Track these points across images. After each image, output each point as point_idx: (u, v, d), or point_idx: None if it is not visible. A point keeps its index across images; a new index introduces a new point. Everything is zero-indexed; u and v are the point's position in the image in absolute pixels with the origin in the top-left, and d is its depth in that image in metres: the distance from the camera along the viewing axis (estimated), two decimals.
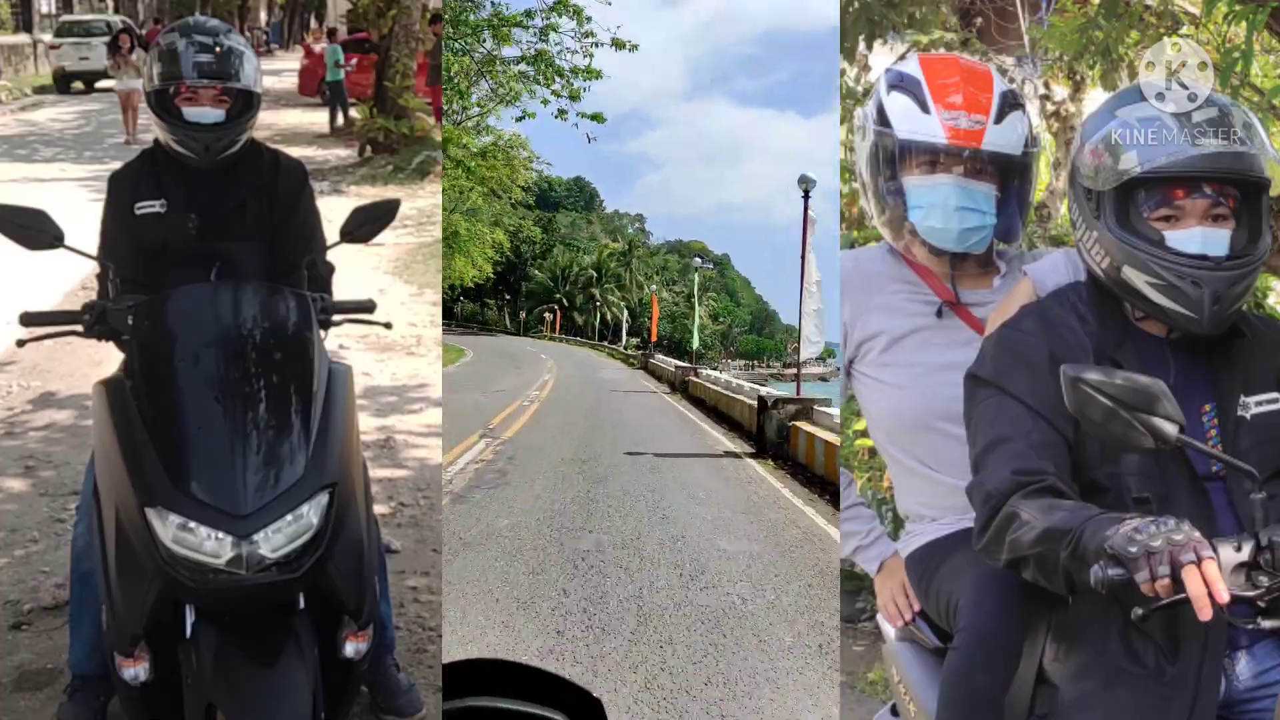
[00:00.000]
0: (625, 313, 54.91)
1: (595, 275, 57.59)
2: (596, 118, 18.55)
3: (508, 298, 59.84)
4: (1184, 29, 3.94)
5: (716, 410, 16.12)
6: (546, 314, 54.97)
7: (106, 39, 18.04)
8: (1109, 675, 1.63)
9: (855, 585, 4.60)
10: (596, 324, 54.90)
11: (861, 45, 4.90)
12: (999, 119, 2.01)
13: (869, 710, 3.58)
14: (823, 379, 38.87)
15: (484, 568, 5.57)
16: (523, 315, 56.52)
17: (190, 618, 1.99)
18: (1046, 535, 1.51)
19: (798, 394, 12.78)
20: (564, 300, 57.84)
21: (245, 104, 2.48)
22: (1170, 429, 1.51)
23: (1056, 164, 5.36)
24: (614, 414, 15.88)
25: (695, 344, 37.58)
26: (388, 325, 2.49)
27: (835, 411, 10.42)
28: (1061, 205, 5.23)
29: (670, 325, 53.63)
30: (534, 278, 59.98)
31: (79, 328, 2.28)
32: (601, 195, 77.92)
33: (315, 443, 2.06)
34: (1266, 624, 1.46)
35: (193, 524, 1.91)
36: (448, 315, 55.20)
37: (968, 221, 2.02)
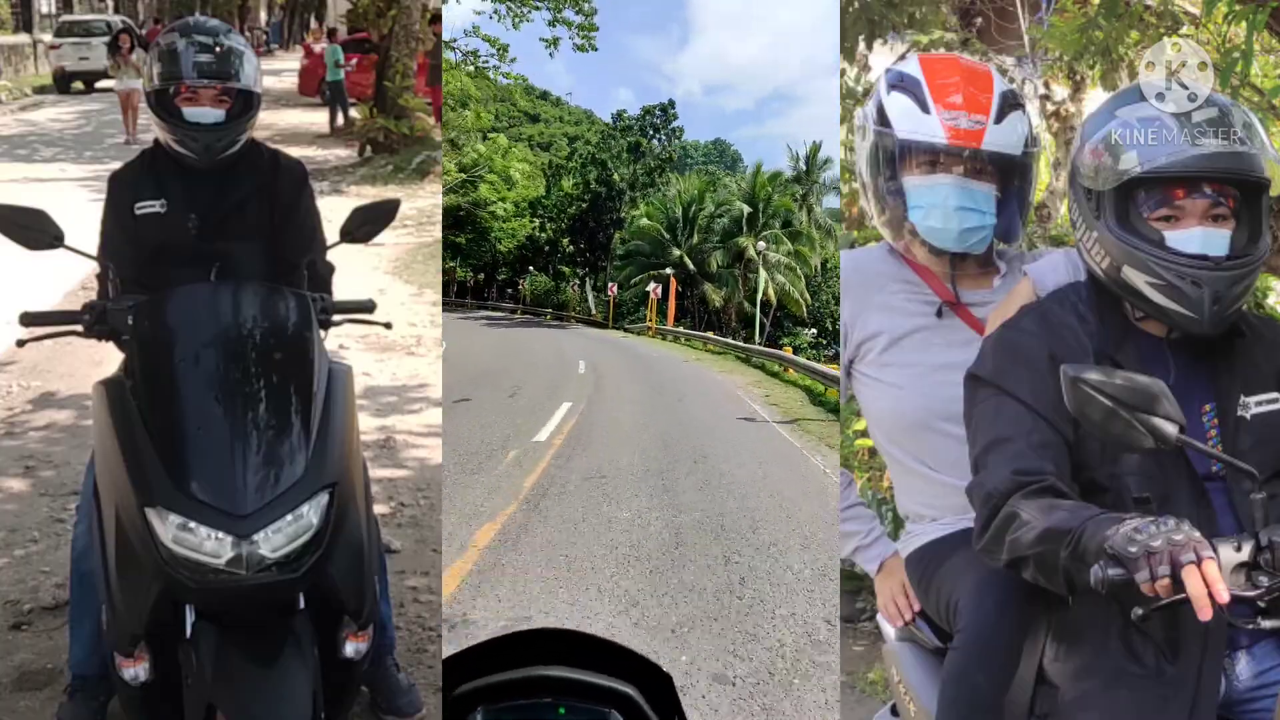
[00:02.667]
0: (802, 282, 31.24)
1: (747, 215, 32.32)
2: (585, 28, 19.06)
3: (601, 264, 37.08)
4: (1184, 29, 3.94)
5: None
6: (652, 286, 30.98)
7: (106, 39, 18.09)
8: (1109, 675, 1.63)
9: (855, 585, 4.60)
10: (754, 305, 29.84)
11: (861, 45, 4.90)
12: (999, 119, 2.01)
13: (869, 710, 3.58)
14: None
15: None
16: (613, 290, 33.40)
17: (190, 618, 1.99)
18: (1046, 535, 1.51)
19: None
20: (687, 260, 32.62)
21: (245, 104, 2.48)
22: (1170, 429, 1.51)
23: (1056, 164, 5.37)
24: None
25: None
26: (388, 325, 2.49)
27: None
28: (1061, 205, 5.24)
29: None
30: (633, 222, 35.65)
31: (79, 328, 2.28)
32: (745, 162, 61.36)
33: (315, 443, 2.06)
34: (1266, 624, 1.46)
35: (193, 524, 1.91)
36: (509, 298, 39.75)
37: (968, 221, 2.02)
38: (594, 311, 35.91)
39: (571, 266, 39.75)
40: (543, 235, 40.81)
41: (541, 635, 1.67)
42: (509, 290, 41.55)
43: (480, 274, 42.04)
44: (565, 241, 40.22)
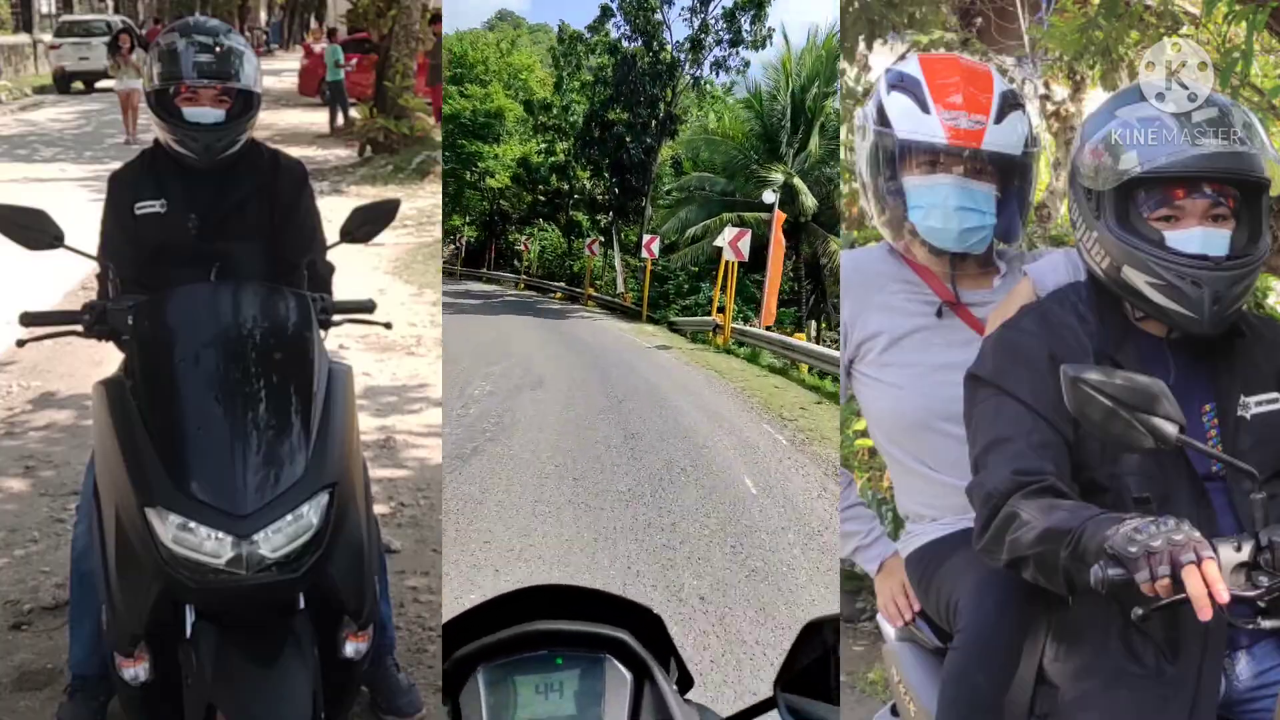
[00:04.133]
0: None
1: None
2: None
3: (637, 202, 22.38)
4: (1184, 29, 3.94)
5: None
6: (730, 238, 14.75)
7: (106, 39, 18.12)
8: (1109, 675, 1.63)
9: (855, 585, 4.60)
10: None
11: (861, 45, 4.90)
12: (999, 119, 2.01)
13: (869, 710, 3.57)
14: None
15: None
16: (650, 248, 19.15)
17: (190, 618, 1.99)
18: (1046, 535, 1.51)
19: None
20: (800, 189, 18.62)
21: (245, 104, 2.48)
22: (1170, 429, 1.51)
23: (1056, 164, 5.37)
24: None
25: None
26: (388, 325, 2.50)
27: None
28: (1061, 205, 5.23)
29: None
30: (692, 119, 21.73)
31: (79, 328, 2.28)
32: None
33: (315, 443, 2.06)
34: (1266, 624, 1.46)
35: (193, 524, 1.91)
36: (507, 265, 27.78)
37: (968, 221, 2.02)
38: (621, 289, 21.39)
39: (590, 212, 23.80)
40: (544, 160, 24.71)
41: (533, 593, 1.71)
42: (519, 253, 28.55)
43: (484, 232, 29.16)
44: (581, 171, 23.56)
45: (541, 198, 25.90)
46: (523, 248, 26.88)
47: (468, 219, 28.53)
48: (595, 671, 1.66)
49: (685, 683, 1.86)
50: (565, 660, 1.65)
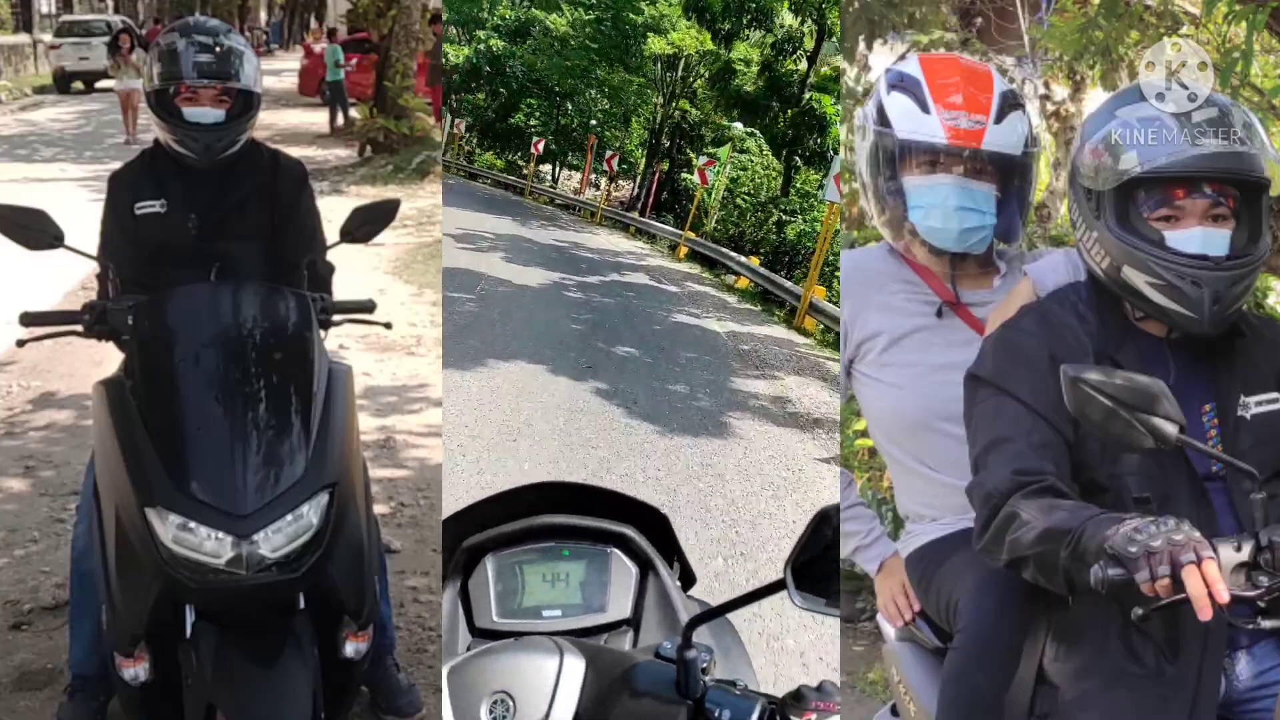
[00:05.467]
0: None
1: None
2: None
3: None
4: (1184, 29, 3.93)
5: None
6: None
7: (106, 39, 18.12)
8: (1109, 675, 1.63)
9: (855, 585, 4.59)
10: None
11: (861, 45, 4.90)
12: (999, 119, 2.01)
13: (869, 710, 3.57)
14: None
15: None
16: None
17: (190, 618, 1.99)
18: (1046, 535, 1.51)
19: None
20: None
21: (245, 104, 2.48)
22: (1170, 429, 1.51)
23: (1056, 164, 5.37)
24: None
25: None
26: (388, 325, 2.50)
27: None
28: (1061, 205, 5.24)
29: None
30: None
31: (79, 328, 2.28)
32: None
33: (315, 443, 2.06)
34: (1266, 624, 1.46)
35: (193, 524, 1.91)
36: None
37: (968, 221, 2.02)
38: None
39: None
40: None
41: (540, 489, 1.77)
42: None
43: (646, 154, 17.33)
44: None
45: (746, 90, 13.11)
46: (698, 178, 14.39)
47: (645, 134, 15.20)
48: (600, 564, 1.73)
49: (688, 580, 1.92)
50: (571, 552, 1.72)
